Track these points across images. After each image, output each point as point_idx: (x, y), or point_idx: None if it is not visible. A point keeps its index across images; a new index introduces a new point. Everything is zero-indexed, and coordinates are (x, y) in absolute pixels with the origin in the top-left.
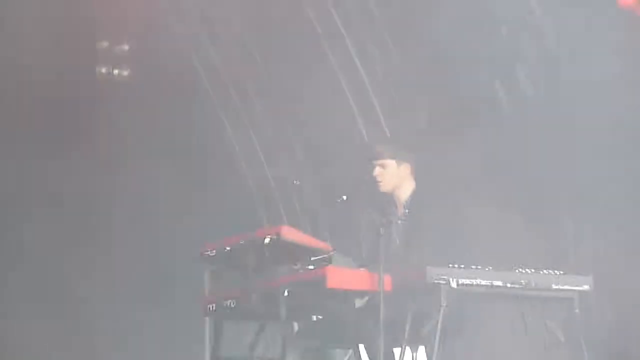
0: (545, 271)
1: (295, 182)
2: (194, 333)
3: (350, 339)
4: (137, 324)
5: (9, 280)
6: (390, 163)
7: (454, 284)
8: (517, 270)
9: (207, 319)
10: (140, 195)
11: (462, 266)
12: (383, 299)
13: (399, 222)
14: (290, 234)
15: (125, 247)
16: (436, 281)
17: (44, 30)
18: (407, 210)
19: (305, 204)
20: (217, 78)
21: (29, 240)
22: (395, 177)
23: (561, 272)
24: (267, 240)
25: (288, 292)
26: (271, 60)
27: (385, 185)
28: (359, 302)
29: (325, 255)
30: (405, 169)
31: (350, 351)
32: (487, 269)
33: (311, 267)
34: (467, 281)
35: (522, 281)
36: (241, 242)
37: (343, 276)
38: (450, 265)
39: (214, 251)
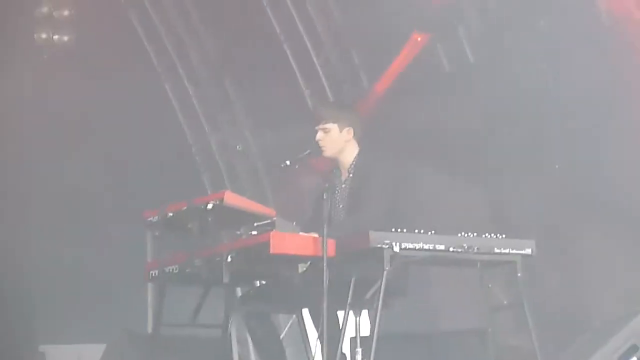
0: (487, 235)
1: (238, 147)
2: (136, 299)
3: (294, 304)
4: (80, 288)
5: None
6: (333, 127)
7: (396, 248)
8: (459, 234)
9: (149, 285)
10: (84, 162)
11: (405, 230)
12: (326, 263)
13: (343, 186)
14: (233, 199)
15: (65, 210)
16: (379, 245)
17: None
18: (350, 175)
19: (248, 169)
20: (159, 42)
21: None
22: (338, 142)
23: (503, 236)
24: (210, 206)
25: (231, 257)
26: (214, 24)
27: (329, 150)
28: (302, 267)
29: (268, 221)
30: (348, 133)
31: (294, 316)
32: (429, 233)
33: (254, 232)
34: (410, 245)
35: (465, 245)
36: (184, 208)
37: (286, 241)
38: (393, 229)
39: (157, 217)
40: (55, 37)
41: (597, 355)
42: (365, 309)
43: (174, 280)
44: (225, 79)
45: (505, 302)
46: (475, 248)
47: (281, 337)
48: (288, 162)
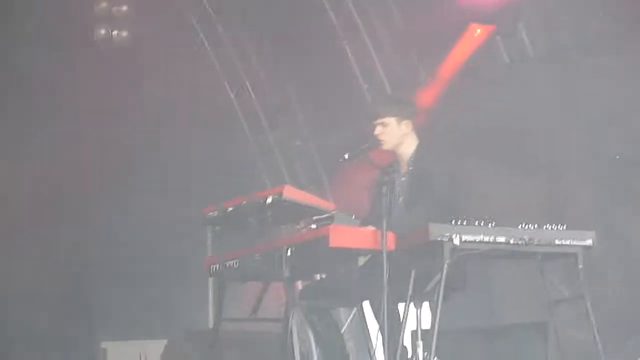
0: (548, 227)
1: (297, 143)
2: (198, 294)
3: (354, 298)
4: (141, 285)
5: None
6: (391, 121)
7: (457, 241)
8: (519, 227)
9: (210, 279)
10: (144, 159)
11: (465, 223)
12: (386, 257)
13: (402, 179)
14: (292, 193)
15: (129, 210)
16: (439, 238)
17: None
18: (410, 168)
19: (307, 164)
20: (218, 41)
21: None
22: (397, 135)
23: (564, 227)
24: (269, 200)
25: (291, 251)
26: (274, 23)
27: (387, 144)
28: (362, 261)
29: (328, 215)
30: (406, 126)
31: (355, 309)
32: (489, 226)
33: (314, 226)
34: (470, 238)
35: (525, 237)
36: (244, 203)
37: (346, 235)
38: (453, 222)
39: (216, 212)
40: (114, 32)
41: None
42: (425, 301)
43: (235, 275)
44: (284, 75)
45: (566, 294)
46: (536, 240)
47: (342, 331)
48: (347, 156)
